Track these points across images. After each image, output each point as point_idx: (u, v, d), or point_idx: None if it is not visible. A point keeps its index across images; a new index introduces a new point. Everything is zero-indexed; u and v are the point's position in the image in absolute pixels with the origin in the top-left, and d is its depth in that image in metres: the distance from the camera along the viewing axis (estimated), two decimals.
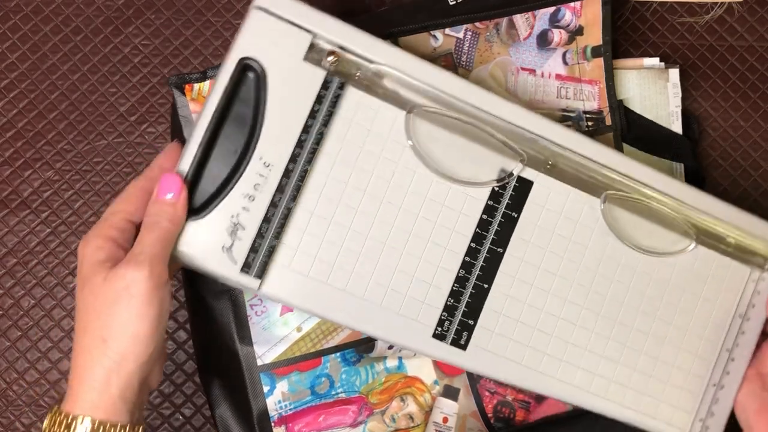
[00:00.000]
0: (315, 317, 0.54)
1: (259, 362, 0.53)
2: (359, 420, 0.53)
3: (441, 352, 0.49)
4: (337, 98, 0.47)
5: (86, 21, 0.61)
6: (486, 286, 0.49)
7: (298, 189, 0.47)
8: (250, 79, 0.47)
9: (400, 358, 0.55)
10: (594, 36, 0.59)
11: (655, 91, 0.61)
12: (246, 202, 0.46)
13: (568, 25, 0.59)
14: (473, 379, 0.55)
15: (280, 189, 0.46)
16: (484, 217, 0.49)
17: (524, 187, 0.50)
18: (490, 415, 0.55)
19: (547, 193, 0.50)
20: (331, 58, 0.47)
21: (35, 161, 0.58)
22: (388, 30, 0.57)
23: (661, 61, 0.62)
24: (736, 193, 0.63)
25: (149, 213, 0.44)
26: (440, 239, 0.49)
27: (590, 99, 0.59)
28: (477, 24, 0.58)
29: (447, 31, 0.58)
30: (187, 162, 0.45)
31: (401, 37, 0.57)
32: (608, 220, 0.51)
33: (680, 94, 0.61)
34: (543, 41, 0.59)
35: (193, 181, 0.46)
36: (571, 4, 0.58)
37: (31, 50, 0.60)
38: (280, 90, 0.47)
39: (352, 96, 0.48)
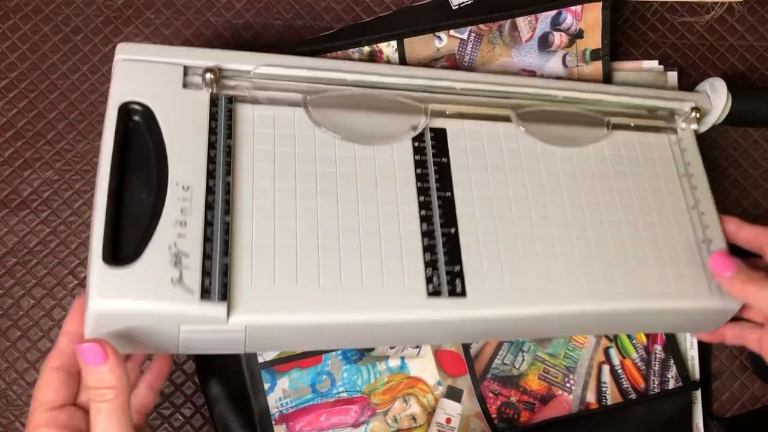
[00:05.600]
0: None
1: (260, 359, 0.53)
2: (361, 420, 0.53)
3: (444, 309, 0.47)
4: (230, 112, 0.47)
5: (86, 21, 0.61)
6: (453, 230, 0.49)
7: (227, 203, 0.45)
8: (138, 122, 0.46)
9: (402, 358, 0.55)
10: (593, 39, 0.60)
11: None
12: (179, 229, 0.43)
13: (569, 29, 0.60)
14: (476, 380, 0.55)
15: (209, 206, 0.44)
16: (419, 171, 0.50)
17: (440, 135, 0.51)
18: (494, 416, 0.54)
19: (462, 134, 0.52)
20: (209, 75, 0.47)
21: (35, 161, 0.58)
22: (394, 31, 0.57)
23: (660, 62, 0.63)
24: (737, 192, 0.63)
25: (88, 387, 0.41)
26: (389, 205, 0.48)
27: None
28: (481, 26, 0.58)
29: (451, 32, 0.58)
30: (99, 220, 0.42)
31: (406, 38, 0.57)
32: (526, 130, 0.53)
33: None
34: (544, 44, 0.60)
35: (114, 236, 0.42)
36: (572, 8, 0.59)
37: (30, 50, 0.60)
38: (171, 120, 0.46)
39: (245, 112, 0.48)
